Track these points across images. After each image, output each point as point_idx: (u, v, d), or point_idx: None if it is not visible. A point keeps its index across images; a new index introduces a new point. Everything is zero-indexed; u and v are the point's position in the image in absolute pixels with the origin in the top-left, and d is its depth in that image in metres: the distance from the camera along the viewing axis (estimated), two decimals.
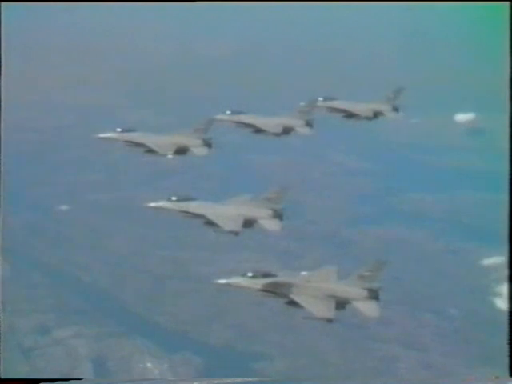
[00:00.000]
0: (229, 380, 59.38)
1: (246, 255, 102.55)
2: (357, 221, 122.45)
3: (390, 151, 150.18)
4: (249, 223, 47.96)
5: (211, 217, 47.38)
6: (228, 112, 54.00)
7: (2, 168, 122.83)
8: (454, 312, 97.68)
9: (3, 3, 58.35)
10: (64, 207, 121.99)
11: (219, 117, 53.47)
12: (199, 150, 51.62)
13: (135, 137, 51.32)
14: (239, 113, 54.39)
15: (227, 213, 47.74)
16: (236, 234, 46.63)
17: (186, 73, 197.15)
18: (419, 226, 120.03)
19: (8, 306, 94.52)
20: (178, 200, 47.96)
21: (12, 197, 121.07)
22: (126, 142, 51.12)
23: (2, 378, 58.91)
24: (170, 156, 50.45)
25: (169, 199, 47.89)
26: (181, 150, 51.44)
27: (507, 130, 53.19)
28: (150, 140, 51.19)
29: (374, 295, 44.56)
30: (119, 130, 51.32)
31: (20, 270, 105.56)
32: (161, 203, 47.73)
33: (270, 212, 48.32)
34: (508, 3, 53.88)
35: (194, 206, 47.87)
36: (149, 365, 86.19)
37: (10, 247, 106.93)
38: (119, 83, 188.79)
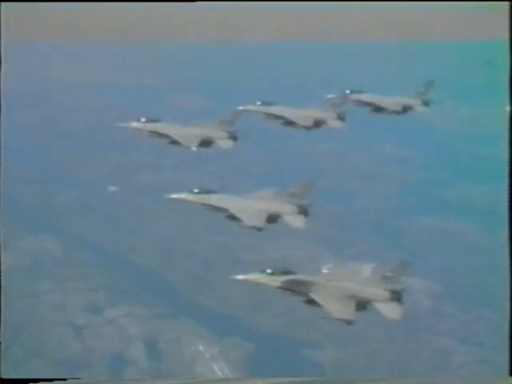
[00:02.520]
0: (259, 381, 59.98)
1: (293, 242, 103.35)
2: (406, 211, 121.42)
3: (439, 141, 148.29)
4: (272, 218, 47.26)
5: (233, 211, 46.69)
6: (258, 103, 53.36)
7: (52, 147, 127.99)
8: (507, 306, 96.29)
9: (3, 3, 58.88)
10: (112, 188, 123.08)
11: (248, 108, 52.88)
12: (224, 143, 50.94)
13: (159, 127, 50.82)
14: (269, 104, 53.61)
15: (250, 207, 47.04)
16: (259, 229, 45.93)
17: (229, 57, 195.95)
18: (468, 217, 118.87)
19: (61, 284, 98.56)
20: (199, 192, 47.42)
21: (61, 176, 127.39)
22: (150, 132, 50.69)
23: (2, 378, 58.24)
24: (193, 148, 50.03)
25: (191, 191, 47.47)
26: (205, 142, 50.87)
27: None
28: (174, 131, 50.67)
29: (396, 297, 43.44)
30: (143, 119, 50.90)
31: (70, 248, 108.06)
32: (183, 195, 47.22)
33: (295, 208, 47.35)
34: (508, 3, 54.30)
35: (215, 199, 47.36)
36: (200, 348, 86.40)
37: (61, 226, 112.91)
38: (163, 64, 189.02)
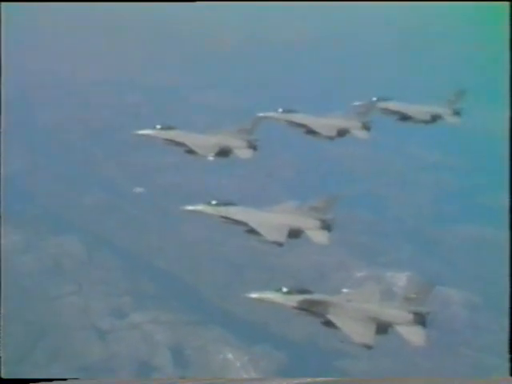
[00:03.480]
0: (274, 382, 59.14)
1: (324, 248, 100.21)
2: (441, 218, 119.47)
3: (477, 145, 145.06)
4: (294, 233, 46.83)
5: (253, 225, 46.32)
6: (280, 110, 52.79)
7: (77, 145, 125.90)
8: None
9: (3, 3, 61.12)
10: (139, 189, 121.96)
11: (269, 115, 52.36)
12: (243, 153, 50.67)
13: (175, 135, 50.57)
14: (291, 111, 53.05)
15: (271, 221, 46.64)
16: (280, 245, 45.60)
17: (257, 56, 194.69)
18: (507, 225, 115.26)
19: (84, 287, 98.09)
20: (217, 204, 47.12)
21: (86, 176, 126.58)
22: (166, 140, 50.64)
23: (2, 377, 59.18)
24: (210, 158, 49.85)
25: (208, 203, 47.19)
26: (223, 152, 50.67)
27: None
28: (190, 139, 50.46)
29: (420, 320, 42.50)
30: (158, 126, 50.79)
31: (95, 251, 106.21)
32: (199, 207, 46.97)
33: (318, 222, 46.86)
34: (508, 3, 56.87)
35: (234, 212, 47.01)
36: (230, 356, 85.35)
37: (85, 227, 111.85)
38: (186, 63, 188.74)
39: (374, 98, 54.46)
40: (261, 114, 52.13)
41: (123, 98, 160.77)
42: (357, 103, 53.78)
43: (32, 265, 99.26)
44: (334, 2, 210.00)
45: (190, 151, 50.34)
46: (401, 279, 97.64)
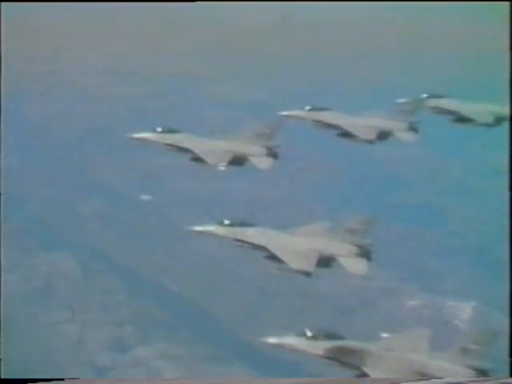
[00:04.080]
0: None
1: (371, 271, 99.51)
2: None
3: None
4: (325, 261, 46.57)
5: (275, 250, 46.10)
6: (307, 108, 52.91)
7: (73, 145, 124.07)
8: None
9: (3, 3, 65.32)
10: (145, 197, 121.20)
11: (294, 113, 52.69)
12: (261, 162, 50.55)
13: (179, 140, 50.74)
14: (321, 109, 53.16)
15: (297, 246, 46.60)
16: (308, 275, 45.32)
17: (283, 43, 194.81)
18: None
19: (80, 314, 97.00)
20: (231, 225, 47.04)
21: (83, 181, 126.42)
22: (168, 145, 51.01)
23: (2, 378, 61.87)
24: (221, 168, 50.01)
25: (221, 223, 47.00)
26: (237, 160, 50.63)
27: None
28: (197, 145, 50.50)
29: (482, 374, 41.88)
30: (159, 129, 51.09)
31: (93, 270, 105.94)
32: (210, 227, 47.03)
33: (354, 248, 46.52)
34: (508, 3, 59.31)
35: (252, 234, 46.94)
36: None
37: (82, 242, 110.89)
38: (202, 51, 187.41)
39: (424, 95, 54.51)
40: (284, 113, 52.49)
41: (126, 89, 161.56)
42: (401, 100, 53.67)
43: (18, 286, 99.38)
44: None
45: (197, 159, 50.51)
46: (465, 311, 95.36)
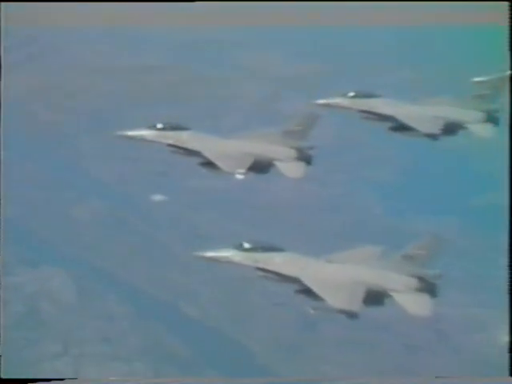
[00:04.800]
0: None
1: (450, 298, 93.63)
2: None
3: None
4: (376, 297, 47.21)
5: (310, 283, 46.22)
6: (351, 93, 53.12)
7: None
8: None
9: (3, 3, 71.02)
10: (158, 197, 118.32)
11: (334, 101, 52.90)
12: (290, 168, 50.87)
13: (186, 139, 51.21)
14: (368, 95, 53.49)
15: (338, 278, 47.09)
16: (352, 316, 45.49)
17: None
18: None
19: (74, 346, 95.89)
20: (253, 249, 47.38)
21: (81, 180, 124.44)
22: (171, 146, 51.62)
23: (2, 378, 66.51)
24: (239, 176, 50.28)
25: (240, 246, 47.59)
26: (260, 166, 51.02)
27: None
28: (209, 146, 50.91)
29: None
30: (160, 125, 51.76)
31: (90, 289, 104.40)
32: (227, 253, 47.61)
33: (414, 281, 47.19)
34: (508, 3, 62.00)
35: (279, 262, 47.31)
36: None
37: (77, 255, 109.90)
38: (228, 12, 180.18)
39: (509, 71, 53.37)
40: (320, 101, 52.61)
41: (134, 59, 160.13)
42: (478, 79, 53.31)
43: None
44: None
45: (209, 164, 50.54)
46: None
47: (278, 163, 50.95)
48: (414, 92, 60.63)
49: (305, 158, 50.80)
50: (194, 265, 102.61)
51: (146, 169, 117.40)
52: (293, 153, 50.81)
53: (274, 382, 73.00)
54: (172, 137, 51.47)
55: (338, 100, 52.82)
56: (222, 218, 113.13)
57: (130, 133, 51.59)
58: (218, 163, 49.63)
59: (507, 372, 49.63)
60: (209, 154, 50.06)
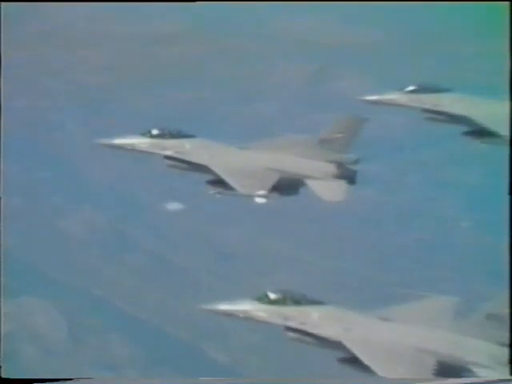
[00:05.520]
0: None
1: None
2: None
3: None
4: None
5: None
6: (410, 87, 54.72)
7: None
8: None
9: (3, 3, 78.84)
10: (175, 205, 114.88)
11: (387, 98, 54.57)
12: (327, 188, 52.25)
13: (188, 149, 53.51)
14: (433, 90, 54.63)
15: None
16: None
17: None
18: None
19: None
20: (280, 301, 47.92)
21: (68, 180, 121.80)
22: (169, 158, 53.84)
23: (2, 377, 68.85)
24: (259, 200, 51.33)
25: (264, 298, 47.87)
26: (287, 186, 52.90)
27: None
28: (218, 159, 52.96)
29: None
30: (156, 132, 54.90)
31: (85, 324, 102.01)
32: (247, 305, 48.11)
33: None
34: (508, 3, 67.52)
35: (317, 320, 47.61)
36: None
37: (67, 281, 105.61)
38: None
39: None
40: (370, 97, 54.41)
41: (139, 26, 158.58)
42: None
43: None
44: None
45: (218, 182, 52.11)
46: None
47: (310, 182, 51.95)
48: None
49: (347, 176, 51.97)
50: (220, 294, 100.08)
51: (156, 167, 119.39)
52: (331, 168, 52.00)
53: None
54: (171, 146, 53.22)
55: (393, 96, 54.08)
56: (254, 232, 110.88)
57: (117, 141, 53.08)
58: (231, 182, 50.51)
59: (507, 372, 50.66)
60: (219, 170, 51.15)
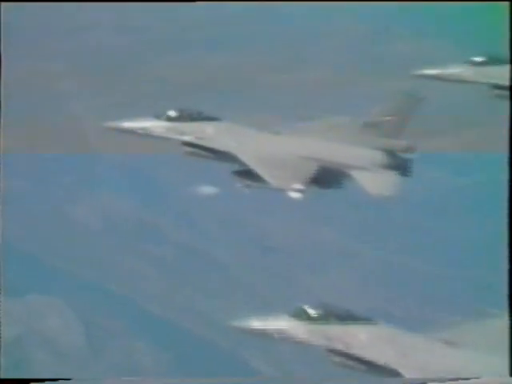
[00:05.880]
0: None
1: None
2: None
3: None
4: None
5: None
6: (478, 58, 53.48)
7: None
8: None
9: (3, 3, 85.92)
10: (207, 189, 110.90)
11: (449, 72, 53.67)
12: (375, 180, 50.81)
13: (211, 134, 52.10)
14: (503, 61, 53.00)
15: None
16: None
17: None
18: None
19: None
20: (320, 318, 48.20)
21: (87, 163, 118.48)
22: (188, 145, 52.67)
23: (2, 378, 73.33)
24: (294, 194, 50.43)
25: (302, 313, 47.91)
26: (328, 178, 51.59)
27: None
28: (246, 146, 51.71)
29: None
30: (173, 113, 53.54)
31: (97, 326, 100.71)
32: (282, 321, 48.31)
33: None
34: (508, 3, 69.79)
35: (364, 341, 47.45)
36: None
37: (80, 279, 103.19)
38: None
39: None
40: (429, 71, 53.41)
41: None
42: None
43: None
44: None
45: (246, 173, 51.34)
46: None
47: (355, 173, 50.60)
48: None
49: (399, 166, 50.74)
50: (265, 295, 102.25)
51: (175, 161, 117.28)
52: (380, 157, 51.04)
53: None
54: (191, 131, 51.98)
55: (457, 69, 53.14)
56: (300, 222, 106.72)
57: (128, 124, 51.69)
58: (262, 173, 49.58)
59: (507, 372, 50.90)
60: (247, 159, 50.37)
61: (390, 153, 50.86)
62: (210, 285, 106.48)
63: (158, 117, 52.85)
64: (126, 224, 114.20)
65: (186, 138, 52.36)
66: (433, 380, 44.58)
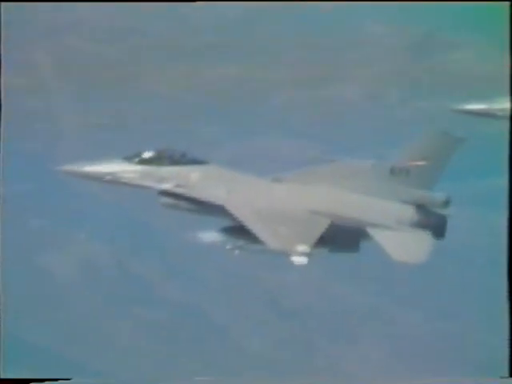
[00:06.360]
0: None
1: None
2: None
3: None
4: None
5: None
6: None
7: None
8: None
9: (3, 3, 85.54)
10: (209, 235, 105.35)
11: (496, 107, 50.74)
12: (404, 245, 48.51)
13: (195, 182, 50.50)
14: None
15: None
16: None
17: None
18: None
19: None
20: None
21: (66, 199, 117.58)
22: (164, 194, 50.96)
23: (2, 378, 74.25)
24: (297, 259, 48.01)
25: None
26: (341, 238, 49.88)
27: None
28: (239, 200, 50.10)
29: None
30: (148, 154, 51.78)
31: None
32: None
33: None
34: (508, 3, 71.19)
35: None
36: None
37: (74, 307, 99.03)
38: None
39: None
40: (473, 107, 50.38)
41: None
42: None
43: None
44: None
45: (239, 231, 49.15)
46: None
47: (375, 232, 47.93)
48: None
49: (432, 224, 48.14)
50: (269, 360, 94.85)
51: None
52: (409, 212, 49.22)
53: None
54: (170, 176, 49.64)
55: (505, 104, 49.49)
56: (321, 278, 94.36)
57: (90, 168, 48.70)
58: (258, 232, 46.78)
59: (507, 372, 51.94)
60: (239, 213, 48.33)
61: (422, 207, 48.05)
62: (212, 356, 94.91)
63: (128, 159, 49.71)
64: (108, 278, 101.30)
65: (165, 186, 49.54)
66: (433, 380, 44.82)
